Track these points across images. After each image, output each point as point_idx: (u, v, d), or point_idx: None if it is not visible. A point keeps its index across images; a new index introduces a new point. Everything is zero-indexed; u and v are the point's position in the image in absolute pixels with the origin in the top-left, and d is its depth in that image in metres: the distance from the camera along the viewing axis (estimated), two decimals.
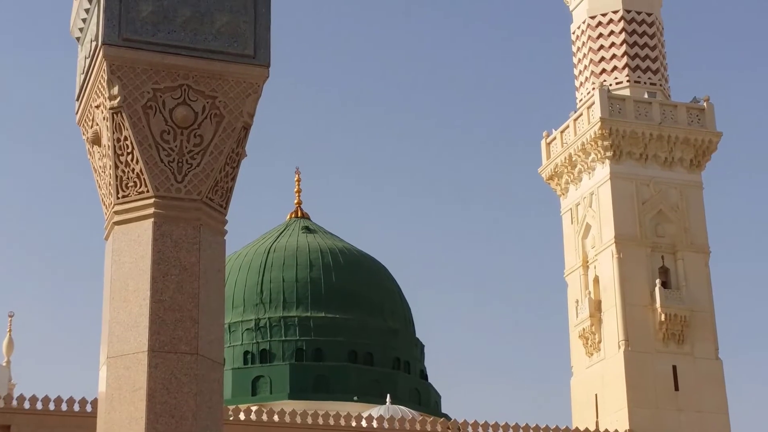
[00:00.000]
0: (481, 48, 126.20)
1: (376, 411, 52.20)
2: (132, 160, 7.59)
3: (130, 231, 7.67)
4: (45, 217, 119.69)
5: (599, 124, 54.24)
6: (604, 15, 57.82)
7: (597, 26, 57.87)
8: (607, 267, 53.60)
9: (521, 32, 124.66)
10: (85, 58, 8.01)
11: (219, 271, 7.88)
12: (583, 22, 58.42)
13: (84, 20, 8.03)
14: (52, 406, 45.21)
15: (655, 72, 57.47)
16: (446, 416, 60.85)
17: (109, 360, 7.57)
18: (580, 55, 58.75)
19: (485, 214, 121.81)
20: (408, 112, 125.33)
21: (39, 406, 44.96)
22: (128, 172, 7.62)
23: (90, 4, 7.85)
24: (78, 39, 8.28)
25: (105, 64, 7.55)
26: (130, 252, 7.64)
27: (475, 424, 50.38)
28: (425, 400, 61.92)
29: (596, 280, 54.33)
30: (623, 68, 56.96)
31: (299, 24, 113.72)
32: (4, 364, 55.45)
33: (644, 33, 57.60)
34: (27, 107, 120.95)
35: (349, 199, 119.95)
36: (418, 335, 67.27)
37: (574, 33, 59.62)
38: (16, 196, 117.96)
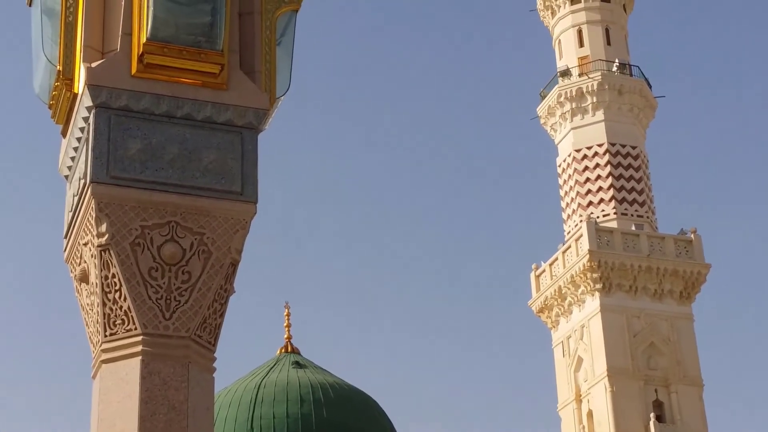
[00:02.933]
0: (467, 179, 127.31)
1: None
2: (120, 298, 7.56)
3: (118, 369, 7.58)
4: (32, 356, 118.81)
5: (588, 256, 54.48)
6: (589, 148, 58.59)
7: (582, 159, 58.58)
8: (600, 401, 53.21)
9: (507, 165, 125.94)
10: (74, 195, 8.03)
11: (208, 409, 7.79)
12: (569, 155, 59.14)
13: (72, 158, 8.09)
14: None
15: (642, 204, 57.98)
16: None
17: None
18: (566, 187, 59.33)
19: (476, 347, 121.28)
20: (396, 245, 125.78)
21: None
22: (116, 309, 7.58)
23: (78, 143, 7.92)
24: (66, 177, 8.32)
25: (93, 201, 7.57)
26: (117, 391, 7.54)
27: None
28: None
29: (590, 414, 53.89)
30: (610, 200, 57.48)
31: (286, 159, 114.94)
32: None
33: (629, 166, 58.30)
34: (14, 243, 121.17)
35: (340, 333, 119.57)
36: None
37: (560, 166, 60.31)
38: (1, 333, 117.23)
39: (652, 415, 52.53)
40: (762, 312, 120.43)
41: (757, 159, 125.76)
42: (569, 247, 56.60)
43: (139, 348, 7.48)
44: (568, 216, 58.90)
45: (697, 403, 54.03)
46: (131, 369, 7.52)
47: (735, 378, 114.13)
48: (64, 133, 8.28)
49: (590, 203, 57.87)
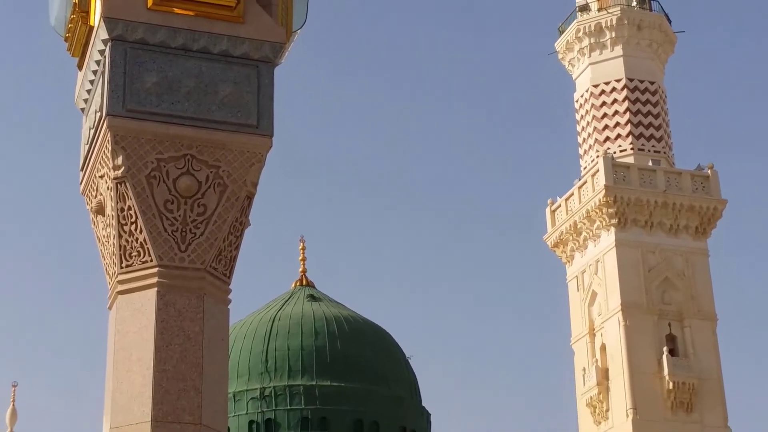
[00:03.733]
0: (485, 116, 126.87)
1: None
2: (136, 230, 7.60)
3: (134, 300, 7.66)
4: (48, 286, 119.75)
5: (604, 191, 54.39)
6: (607, 84, 58.24)
7: (600, 95, 58.27)
8: (613, 335, 53.42)
9: (525, 100, 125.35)
10: (90, 128, 8.06)
11: (223, 340, 7.87)
12: (587, 91, 58.83)
13: (88, 91, 8.10)
14: None
15: (659, 140, 57.74)
16: None
17: (112, 430, 7.55)
18: (583, 123, 59.09)
19: (491, 282, 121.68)
20: (412, 181, 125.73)
21: None
22: (132, 241, 7.63)
23: (95, 75, 7.92)
24: (82, 110, 8.34)
25: (109, 134, 7.59)
26: (133, 321, 7.63)
27: None
28: None
29: (603, 347, 54.13)
30: (627, 136, 57.24)
31: (303, 92, 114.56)
32: None
33: (647, 101, 57.99)
34: (31, 175, 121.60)
35: (355, 267, 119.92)
36: (424, 404, 66.82)
37: (577, 101, 60.02)
38: (18, 265, 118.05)
39: (665, 348, 52.73)
40: None
41: None
42: (585, 182, 56.50)
43: (155, 279, 7.54)
44: (585, 151, 58.73)
45: (710, 338, 54.19)
46: (147, 300, 7.58)
47: (749, 313, 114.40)
48: (80, 66, 8.28)
49: (607, 139, 57.65)
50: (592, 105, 58.36)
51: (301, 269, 69.79)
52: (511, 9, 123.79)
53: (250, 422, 60.24)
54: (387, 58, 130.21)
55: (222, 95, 7.77)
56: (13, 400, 56.31)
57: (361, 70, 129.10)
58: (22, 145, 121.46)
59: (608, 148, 56.70)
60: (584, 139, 58.97)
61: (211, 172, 7.71)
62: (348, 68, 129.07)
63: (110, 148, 7.58)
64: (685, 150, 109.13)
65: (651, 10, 60.08)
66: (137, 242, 7.59)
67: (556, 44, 61.46)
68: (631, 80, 57.96)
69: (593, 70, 58.63)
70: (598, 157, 55.86)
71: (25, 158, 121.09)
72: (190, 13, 7.84)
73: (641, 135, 57.50)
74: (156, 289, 7.54)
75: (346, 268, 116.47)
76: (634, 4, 59.51)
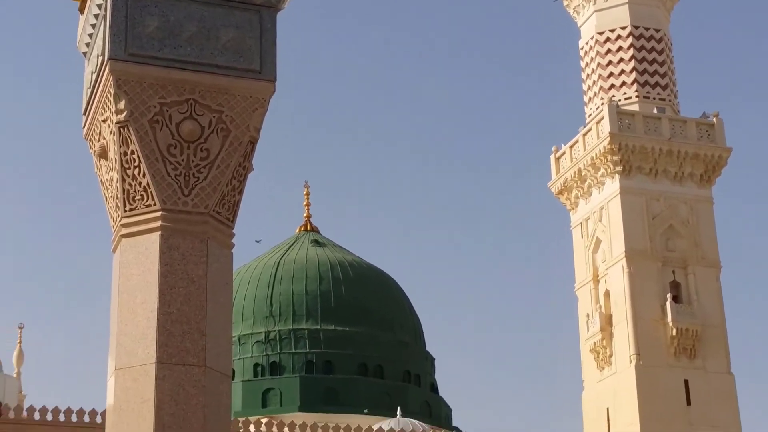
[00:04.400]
0: (489, 64, 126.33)
1: (386, 424, 52.13)
2: (139, 174, 7.62)
3: (138, 244, 7.67)
4: (53, 230, 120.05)
5: (608, 139, 54.26)
6: (612, 31, 57.89)
7: (605, 42, 57.94)
8: (617, 281, 53.54)
9: (529, 48, 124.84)
10: (92, 72, 8.05)
11: (227, 284, 7.90)
12: (592, 38, 58.50)
13: (90, 35, 8.08)
14: (62, 417, 45.28)
15: (664, 87, 57.49)
16: (457, 429, 60.78)
17: (117, 372, 7.60)
18: (588, 70, 58.81)
19: (495, 228, 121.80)
20: (417, 127, 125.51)
21: (49, 417, 45.04)
22: (135, 185, 7.64)
23: (96, 19, 7.89)
24: (84, 54, 8.32)
25: (111, 78, 7.57)
26: (137, 264, 7.65)
27: None
28: (436, 413, 61.79)
29: (607, 294, 54.28)
30: (632, 84, 57.00)
31: (306, 38, 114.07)
32: (15, 376, 55.61)
33: (653, 49, 57.65)
34: (34, 119, 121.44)
35: (359, 213, 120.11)
36: (428, 348, 67.21)
37: (582, 49, 59.70)
38: (23, 209, 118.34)
39: (668, 295, 52.86)
40: None
41: None
42: (590, 129, 56.35)
43: (159, 223, 7.57)
44: (590, 99, 58.50)
45: (714, 284, 54.29)
46: (151, 243, 7.61)
47: (753, 261, 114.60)
48: (81, 10, 8.25)
49: (612, 86, 57.40)
50: (597, 52, 58.05)
51: (305, 214, 70.02)
52: None
53: (255, 365, 60.71)
54: (391, 7, 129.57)
55: (224, 40, 7.74)
56: (20, 342, 56.73)
57: (365, 18, 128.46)
58: (24, 89, 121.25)
59: (613, 96, 56.49)
60: (589, 87, 58.73)
61: (214, 116, 7.69)
62: (352, 15, 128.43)
63: (113, 92, 7.56)
64: (691, 98, 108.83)
65: None
66: (140, 186, 7.60)
67: None
68: (636, 28, 57.59)
69: (598, 18, 58.26)
70: (603, 104, 55.67)
71: (28, 101, 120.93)
72: None
73: (646, 83, 57.24)
74: (160, 232, 7.56)
75: (350, 213, 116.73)
76: None
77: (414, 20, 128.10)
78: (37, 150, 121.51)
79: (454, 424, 62.91)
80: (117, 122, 7.60)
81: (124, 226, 7.67)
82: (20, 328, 56.93)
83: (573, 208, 57.56)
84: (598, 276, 55.21)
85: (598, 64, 57.89)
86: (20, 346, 56.67)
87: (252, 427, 47.56)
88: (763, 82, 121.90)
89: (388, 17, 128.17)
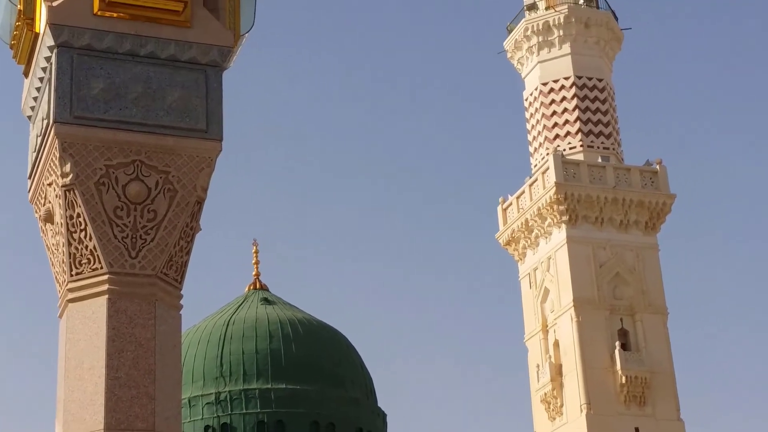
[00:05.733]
0: (436, 115, 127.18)
1: None
2: (85, 237, 7.55)
3: (85, 308, 7.59)
4: None
5: (554, 188, 54.70)
6: (555, 81, 58.58)
7: (549, 92, 58.60)
8: (566, 331, 53.74)
9: (475, 99, 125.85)
10: (37, 136, 8.00)
11: (175, 346, 7.82)
12: (536, 89, 59.15)
13: (35, 99, 8.04)
14: None
15: (608, 136, 58.17)
16: None
17: None
18: (533, 121, 59.38)
19: (444, 280, 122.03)
20: (365, 180, 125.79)
21: None
22: (81, 249, 7.57)
23: (41, 83, 7.87)
24: (29, 117, 8.28)
25: (57, 141, 7.53)
26: (84, 329, 7.56)
27: None
28: None
29: (556, 344, 54.44)
30: (576, 133, 57.62)
31: (253, 97, 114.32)
32: None
33: (596, 98, 58.40)
34: None
35: (308, 270, 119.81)
36: (380, 404, 66.85)
37: (526, 99, 60.30)
38: None
39: (617, 343, 53.11)
40: (725, 240, 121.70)
41: (721, 90, 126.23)
42: (536, 180, 56.77)
43: (106, 287, 7.50)
44: (535, 149, 59.00)
45: (661, 331, 54.66)
46: (98, 307, 7.52)
47: (699, 306, 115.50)
48: (26, 74, 8.21)
49: (557, 136, 57.98)
50: (542, 103, 58.67)
51: (254, 273, 69.59)
52: (459, 8, 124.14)
53: (206, 427, 59.95)
54: (333, 60, 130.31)
55: (170, 100, 7.74)
56: None
57: (312, 72, 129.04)
58: None
59: (558, 146, 57.05)
60: (534, 137, 59.25)
61: (160, 177, 7.67)
62: (299, 70, 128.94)
63: (58, 156, 7.52)
64: (634, 146, 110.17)
65: (598, 7, 60.49)
66: (87, 249, 7.54)
67: (504, 43, 61.70)
68: (579, 78, 58.33)
69: (542, 69, 58.94)
70: (548, 154, 56.18)
71: None
72: (137, 18, 7.84)
73: (590, 132, 57.89)
74: (107, 296, 7.49)
75: (299, 271, 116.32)
76: (581, 2, 59.89)
77: (358, 72, 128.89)
78: None
79: None
80: (63, 185, 7.54)
81: (70, 290, 7.58)
82: None
83: (521, 259, 57.81)
84: (547, 326, 55.38)
85: (543, 114, 58.50)
86: None
87: None
88: (704, 129, 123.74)
89: (332, 72, 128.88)
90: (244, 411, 60.39)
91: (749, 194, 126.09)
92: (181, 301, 7.87)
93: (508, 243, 58.38)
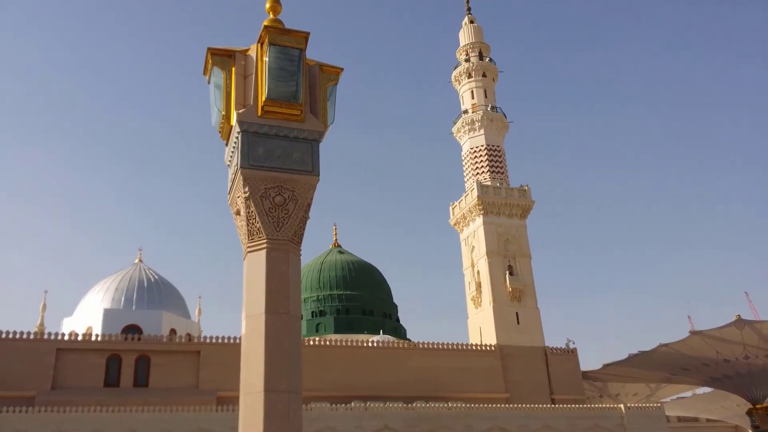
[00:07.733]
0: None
1: (375, 338, 51.63)
2: (255, 222, 7.56)
3: (255, 256, 7.60)
4: (218, 247, 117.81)
5: (477, 199, 54.36)
6: (477, 147, 58.22)
7: (474, 152, 58.20)
8: (483, 267, 53.38)
9: (436, 158, 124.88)
10: (232, 173, 8.02)
11: (298, 273, 7.80)
12: (469, 150, 58.72)
13: (231, 155, 8.07)
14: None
15: (502, 173, 57.66)
16: (409, 340, 60.23)
17: (246, 317, 7.50)
18: (466, 166, 58.96)
19: (422, 243, 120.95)
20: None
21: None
22: (253, 227, 7.58)
23: (234, 149, 7.90)
24: (228, 164, 8.30)
25: (241, 176, 7.56)
26: (255, 265, 7.55)
27: (426, 343, 49.78)
28: (400, 333, 61.31)
29: (478, 273, 54.07)
30: (487, 172, 57.14)
31: (335, 151, 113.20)
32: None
33: (496, 156, 57.87)
34: (212, 199, 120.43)
35: (361, 235, 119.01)
36: (395, 301, 66.81)
37: (463, 158, 59.86)
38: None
39: (507, 272, 52.77)
40: (562, 224, 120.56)
41: (562, 146, 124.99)
42: (467, 194, 56.41)
43: (265, 245, 7.54)
44: (467, 179, 58.61)
45: (527, 266, 54.15)
46: (262, 255, 7.55)
47: (552, 254, 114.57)
48: (227, 143, 8.22)
49: (478, 173, 57.53)
50: (470, 157, 58.23)
51: (334, 237, 69.75)
52: (426, 114, 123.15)
53: (312, 312, 60.16)
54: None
55: (295, 156, 7.74)
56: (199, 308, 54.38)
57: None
58: (206, 184, 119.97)
59: (478, 178, 56.62)
60: (467, 174, 58.84)
61: (290, 194, 7.69)
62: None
63: (242, 183, 7.55)
64: (515, 177, 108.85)
65: (497, 111, 59.94)
66: (255, 228, 7.57)
67: (453, 129, 61.29)
68: (488, 146, 57.86)
69: (470, 142, 58.51)
70: (474, 182, 55.77)
71: (206, 188, 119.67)
72: (279, 117, 7.82)
73: (494, 171, 57.39)
74: (266, 249, 7.52)
75: (351, 235, 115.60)
76: (489, 108, 59.35)
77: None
78: (216, 211, 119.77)
79: (408, 337, 62.34)
80: (244, 197, 7.55)
81: (248, 247, 7.59)
82: None
83: (461, 231, 57.43)
84: (474, 264, 54.94)
85: (471, 163, 58.07)
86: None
87: (311, 342, 46.94)
88: (551, 166, 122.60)
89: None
90: (330, 304, 60.53)
91: (578, 201, 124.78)
92: (301, 253, 7.82)
93: (456, 224, 58.00)
